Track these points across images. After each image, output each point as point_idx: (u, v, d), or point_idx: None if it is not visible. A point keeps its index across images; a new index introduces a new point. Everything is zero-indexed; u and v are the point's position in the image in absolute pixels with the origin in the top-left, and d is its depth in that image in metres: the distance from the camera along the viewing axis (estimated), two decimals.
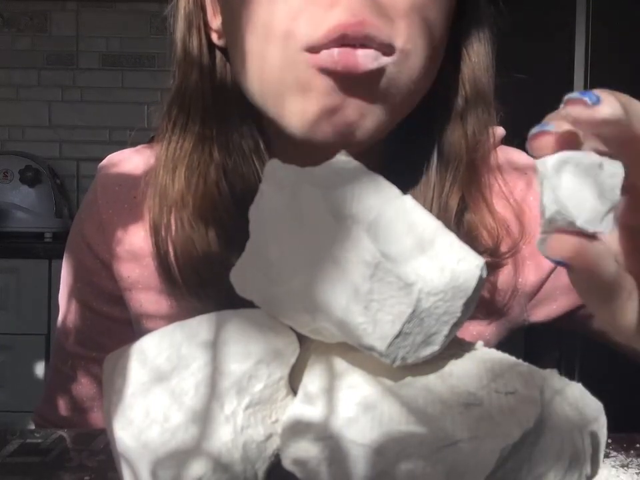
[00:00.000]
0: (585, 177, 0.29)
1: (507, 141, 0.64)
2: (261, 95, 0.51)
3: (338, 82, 0.46)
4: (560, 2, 2.15)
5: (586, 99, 0.29)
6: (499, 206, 0.58)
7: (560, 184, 0.29)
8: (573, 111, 0.29)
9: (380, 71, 0.46)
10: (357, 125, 0.48)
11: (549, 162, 0.29)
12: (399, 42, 0.46)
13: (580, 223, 0.28)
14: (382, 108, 0.48)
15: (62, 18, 2.35)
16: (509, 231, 0.57)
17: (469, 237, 0.54)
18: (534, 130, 0.31)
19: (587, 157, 0.29)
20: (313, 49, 0.46)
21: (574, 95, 0.30)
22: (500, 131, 0.62)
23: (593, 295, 0.32)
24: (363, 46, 0.45)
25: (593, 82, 2.07)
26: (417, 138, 0.54)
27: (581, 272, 0.30)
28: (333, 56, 0.45)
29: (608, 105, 0.29)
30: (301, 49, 0.46)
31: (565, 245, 0.29)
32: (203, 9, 0.55)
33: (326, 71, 0.46)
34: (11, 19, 2.34)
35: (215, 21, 0.55)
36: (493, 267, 0.56)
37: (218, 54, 0.56)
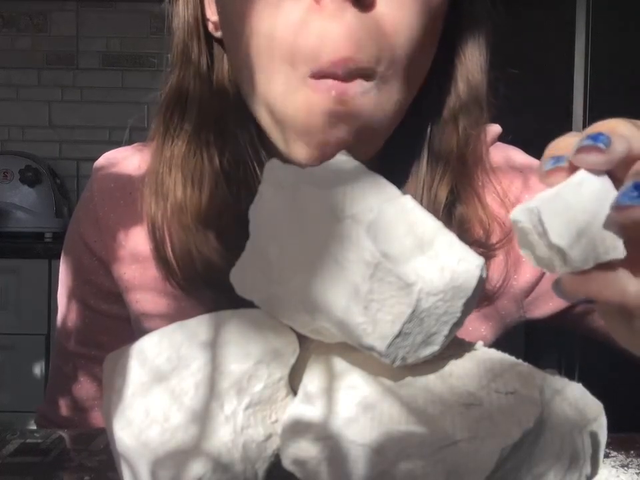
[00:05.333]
0: (570, 218, 0.28)
1: (507, 139, 0.64)
2: (264, 113, 0.51)
3: (331, 110, 0.47)
4: (560, 2, 2.15)
5: (600, 145, 0.30)
6: (493, 204, 0.58)
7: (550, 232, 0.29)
8: (589, 159, 0.30)
9: (366, 96, 0.47)
10: (352, 147, 0.49)
11: (527, 216, 0.29)
12: (381, 66, 0.47)
13: (588, 264, 0.28)
14: (371, 128, 0.49)
15: (62, 18, 2.35)
16: (501, 226, 0.58)
17: (461, 229, 0.55)
18: (547, 166, 0.31)
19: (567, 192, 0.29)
20: (314, 75, 0.46)
21: (586, 143, 0.30)
22: (496, 128, 0.62)
23: (615, 317, 0.32)
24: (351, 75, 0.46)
25: (593, 82, 2.07)
26: (409, 132, 0.55)
27: (604, 303, 0.30)
28: (327, 87, 0.46)
29: (619, 142, 0.30)
30: (303, 72, 0.47)
31: (582, 285, 0.29)
32: (201, 3, 0.55)
33: (322, 98, 0.47)
34: (11, 19, 2.34)
35: (213, 16, 0.55)
36: (484, 258, 0.56)
37: (215, 50, 0.56)
